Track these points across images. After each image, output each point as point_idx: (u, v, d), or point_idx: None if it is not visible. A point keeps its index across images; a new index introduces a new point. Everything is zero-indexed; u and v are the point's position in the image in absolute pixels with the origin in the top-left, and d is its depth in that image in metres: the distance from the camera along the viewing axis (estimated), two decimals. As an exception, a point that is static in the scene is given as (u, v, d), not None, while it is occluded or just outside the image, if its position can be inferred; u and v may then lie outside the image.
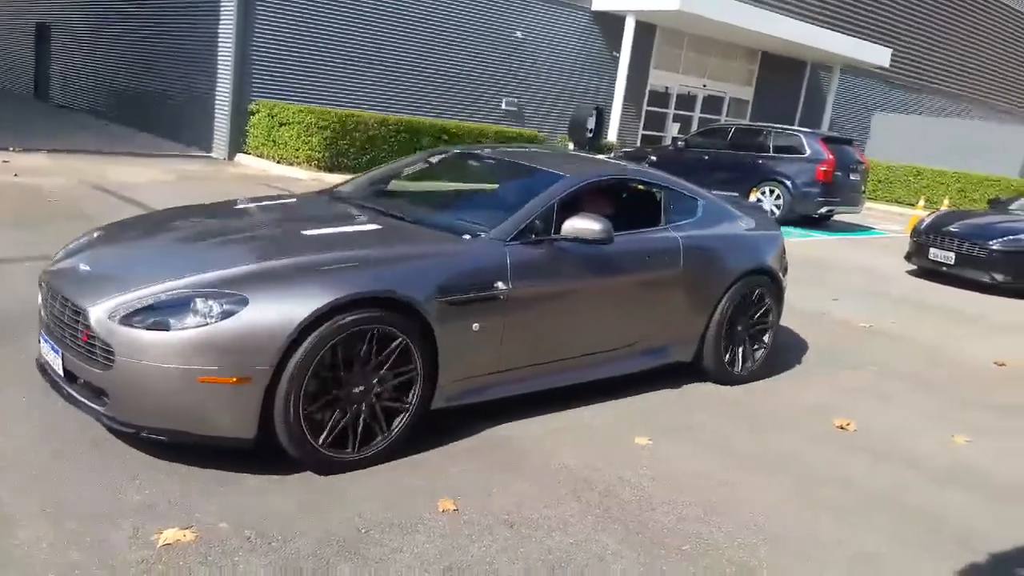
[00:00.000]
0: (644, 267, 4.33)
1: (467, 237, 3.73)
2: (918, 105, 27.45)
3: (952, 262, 9.69)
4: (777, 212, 13.74)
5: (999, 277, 9.33)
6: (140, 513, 2.74)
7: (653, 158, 15.40)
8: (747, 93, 22.20)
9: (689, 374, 4.82)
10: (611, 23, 17.77)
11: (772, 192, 13.84)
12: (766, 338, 5.07)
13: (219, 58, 13.42)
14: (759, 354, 5.02)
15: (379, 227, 3.94)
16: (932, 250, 9.95)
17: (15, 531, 2.56)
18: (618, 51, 17.57)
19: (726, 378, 4.82)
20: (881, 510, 3.44)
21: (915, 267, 10.50)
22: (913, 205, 19.49)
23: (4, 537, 2.53)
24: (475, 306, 3.49)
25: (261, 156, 13.17)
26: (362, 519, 2.88)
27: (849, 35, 21.76)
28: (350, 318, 3.07)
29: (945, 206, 16.68)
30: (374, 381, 3.22)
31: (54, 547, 2.50)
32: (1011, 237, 9.47)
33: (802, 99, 23.31)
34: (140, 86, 16.55)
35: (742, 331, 4.87)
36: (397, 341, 3.22)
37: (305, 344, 2.97)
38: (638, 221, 4.53)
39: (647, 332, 4.41)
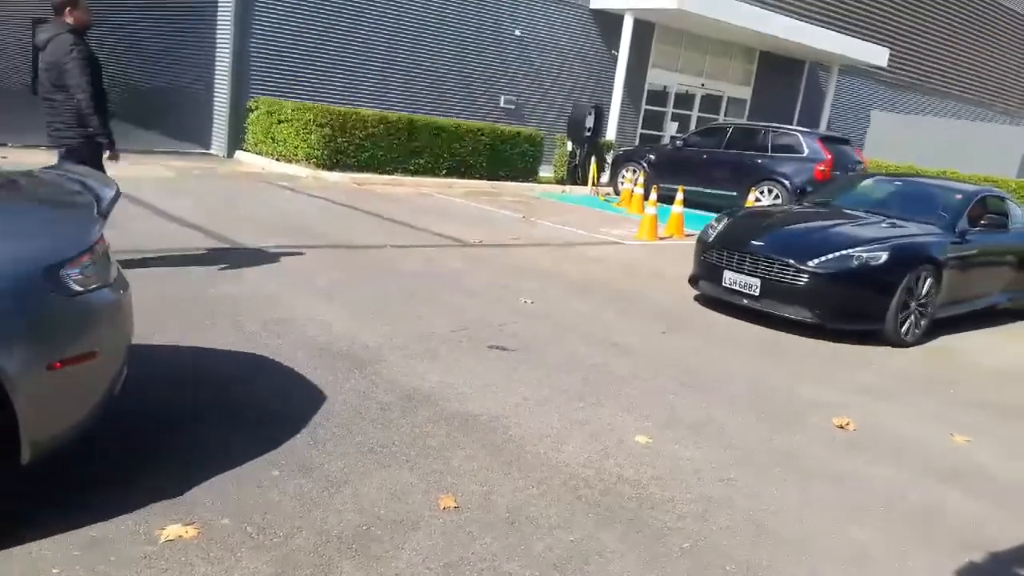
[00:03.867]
0: None
1: None
2: (916, 105, 27.49)
3: (757, 292, 6.45)
4: (775, 211, 13.75)
5: (822, 312, 6.24)
6: (142, 509, 2.74)
7: (652, 156, 15.43)
8: (745, 92, 22.21)
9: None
10: (610, 21, 17.76)
11: (771, 191, 13.85)
12: None
13: (217, 53, 13.41)
14: None
15: None
16: (727, 274, 6.65)
17: (15, 527, 2.57)
18: (617, 49, 17.57)
19: None
20: (879, 508, 3.45)
21: (703, 294, 7.14)
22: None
23: (5, 533, 2.53)
24: None
25: (260, 153, 13.16)
26: (363, 516, 2.88)
27: (847, 35, 21.78)
28: None
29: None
30: None
31: (56, 542, 2.51)
32: (841, 253, 6.29)
33: (800, 99, 23.32)
34: (138, 82, 16.53)
35: None
36: None
37: None
38: None
39: None
